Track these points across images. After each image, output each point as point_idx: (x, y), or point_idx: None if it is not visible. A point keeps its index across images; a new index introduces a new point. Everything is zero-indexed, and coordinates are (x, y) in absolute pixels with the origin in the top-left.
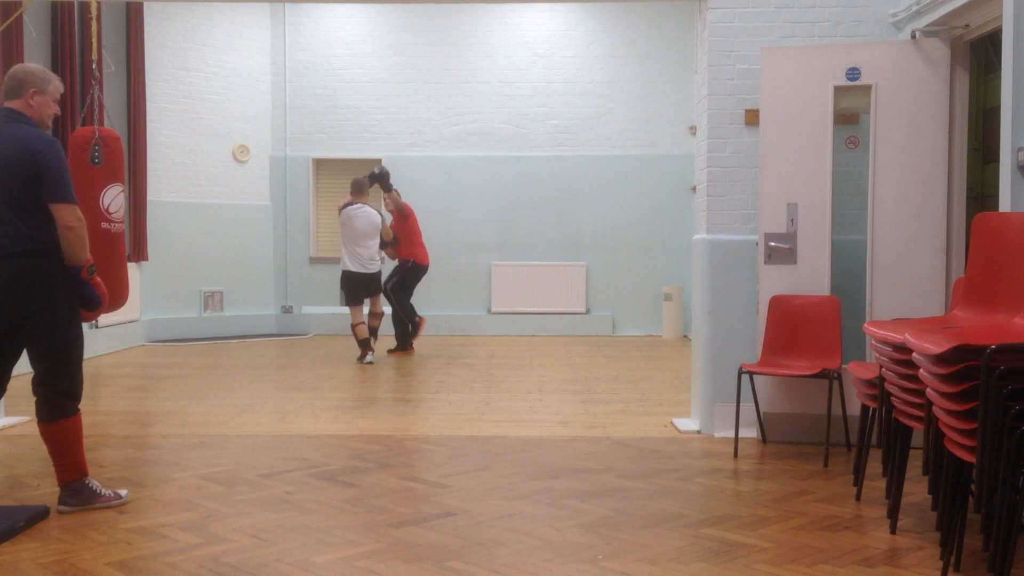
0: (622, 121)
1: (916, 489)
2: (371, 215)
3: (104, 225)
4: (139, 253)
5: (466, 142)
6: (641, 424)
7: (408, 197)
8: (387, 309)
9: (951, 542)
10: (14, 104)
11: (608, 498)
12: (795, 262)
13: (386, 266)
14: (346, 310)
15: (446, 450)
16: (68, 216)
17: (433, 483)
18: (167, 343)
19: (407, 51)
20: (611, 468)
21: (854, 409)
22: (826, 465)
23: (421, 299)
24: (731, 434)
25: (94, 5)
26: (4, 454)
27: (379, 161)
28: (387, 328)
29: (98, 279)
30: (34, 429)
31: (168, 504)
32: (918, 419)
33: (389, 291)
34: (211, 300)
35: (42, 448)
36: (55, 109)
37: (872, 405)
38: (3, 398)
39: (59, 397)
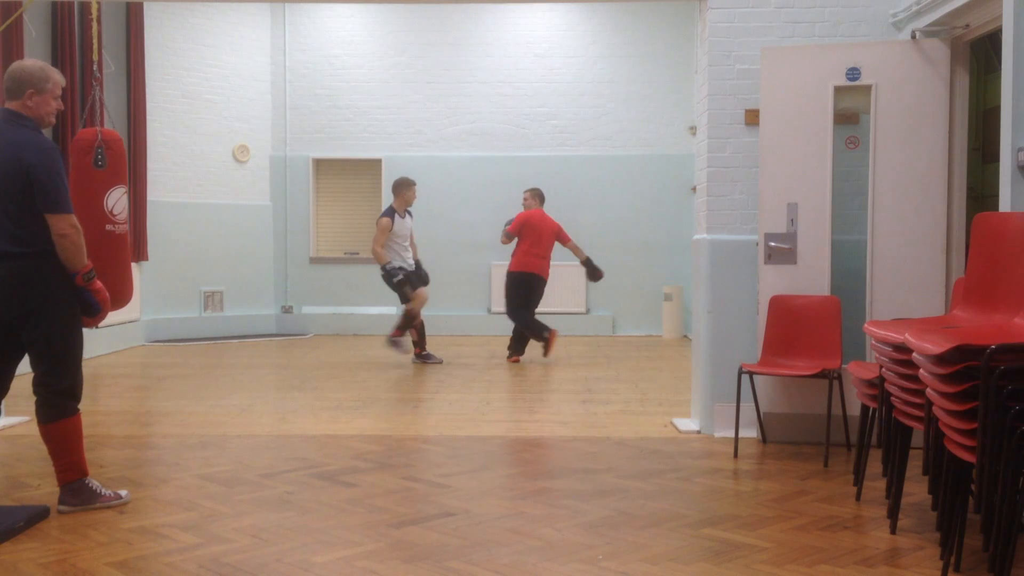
0: (622, 121)
1: (916, 489)
2: None
3: (108, 227)
4: (139, 253)
5: (466, 142)
6: (641, 424)
7: None
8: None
9: (951, 542)
10: (13, 105)
11: (608, 498)
12: (795, 262)
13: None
14: (346, 310)
15: (446, 450)
16: (61, 224)
17: (433, 483)
18: (167, 343)
19: (407, 51)
20: (611, 468)
21: (854, 409)
22: (826, 465)
23: None
24: (731, 434)
25: (95, 6)
26: (4, 454)
27: (379, 161)
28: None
29: (98, 285)
30: (34, 429)
31: (168, 504)
32: (918, 419)
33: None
34: (211, 300)
35: (42, 448)
36: (56, 105)
37: (872, 405)
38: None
39: (59, 397)
